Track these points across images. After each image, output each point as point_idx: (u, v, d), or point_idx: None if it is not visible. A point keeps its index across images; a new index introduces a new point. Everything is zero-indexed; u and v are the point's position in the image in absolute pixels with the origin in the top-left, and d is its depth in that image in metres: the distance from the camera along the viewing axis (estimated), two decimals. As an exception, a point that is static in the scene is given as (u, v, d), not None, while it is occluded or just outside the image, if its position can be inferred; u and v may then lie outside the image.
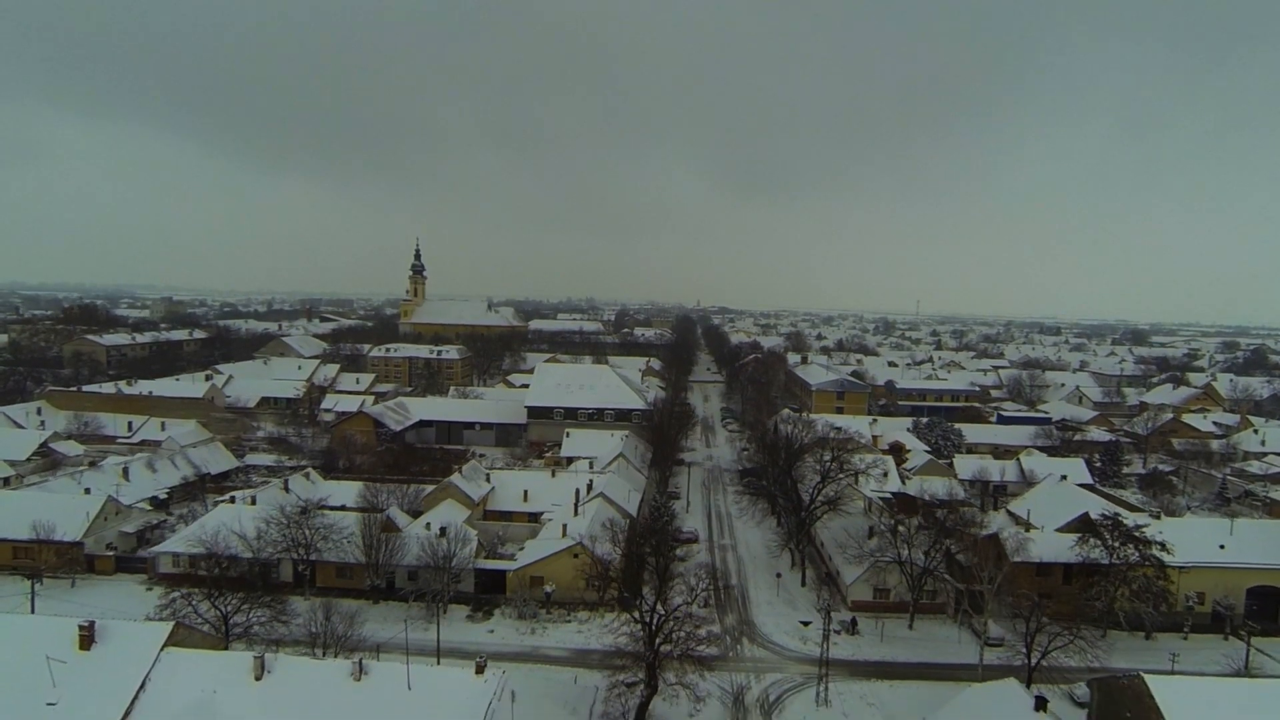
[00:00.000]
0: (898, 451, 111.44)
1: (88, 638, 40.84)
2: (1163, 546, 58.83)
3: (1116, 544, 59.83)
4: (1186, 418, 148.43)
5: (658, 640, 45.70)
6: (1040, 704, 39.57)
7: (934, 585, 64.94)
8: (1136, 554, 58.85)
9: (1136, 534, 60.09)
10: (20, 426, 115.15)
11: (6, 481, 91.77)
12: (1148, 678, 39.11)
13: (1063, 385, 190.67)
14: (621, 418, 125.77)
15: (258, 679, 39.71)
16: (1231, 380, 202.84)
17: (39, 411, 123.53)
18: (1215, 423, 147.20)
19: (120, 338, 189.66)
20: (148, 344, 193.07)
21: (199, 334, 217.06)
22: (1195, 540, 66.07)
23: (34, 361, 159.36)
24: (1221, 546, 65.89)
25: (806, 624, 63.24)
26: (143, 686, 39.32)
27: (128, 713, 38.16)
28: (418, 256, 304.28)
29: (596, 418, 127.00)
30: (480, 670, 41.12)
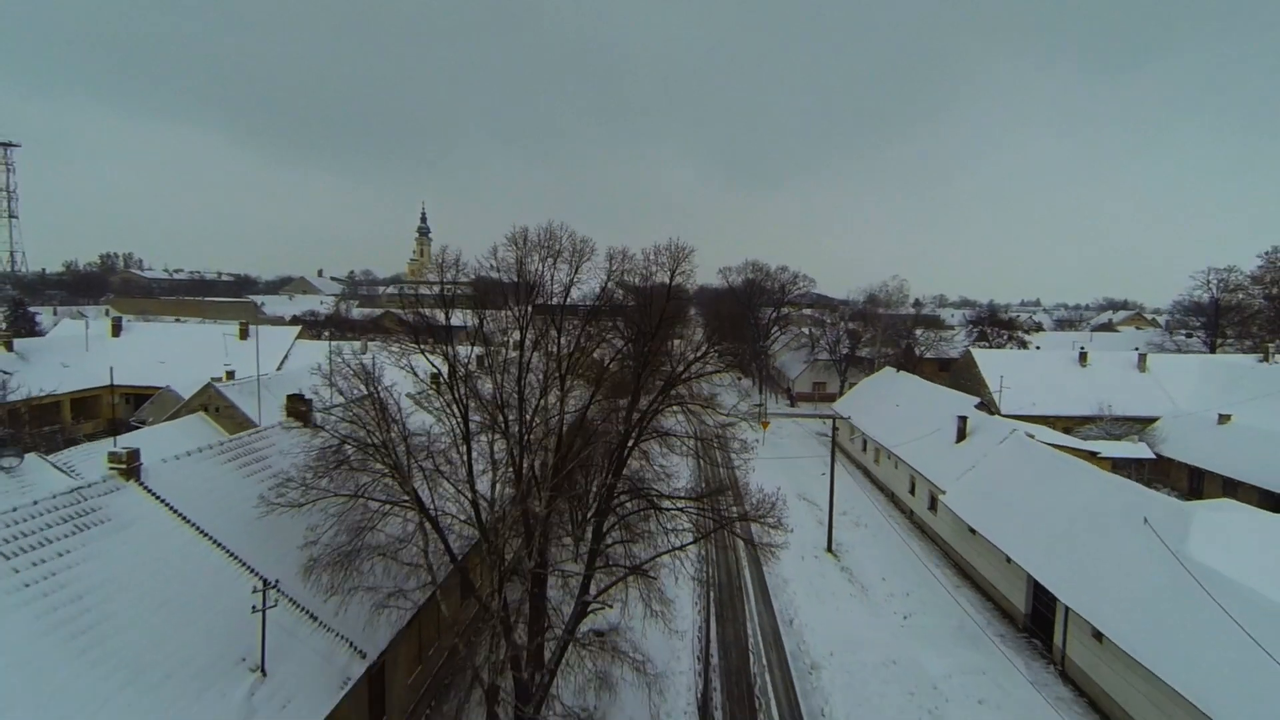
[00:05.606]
0: (854, 334, 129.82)
1: (245, 331, 58.98)
2: (1025, 330, 77.32)
3: (991, 330, 78.36)
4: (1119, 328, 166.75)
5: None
6: (899, 367, 57.92)
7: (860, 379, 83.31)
8: (1006, 336, 77.36)
9: (1006, 322, 78.68)
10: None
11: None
12: (972, 348, 57.51)
13: (1017, 315, 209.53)
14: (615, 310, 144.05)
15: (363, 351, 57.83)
16: (1171, 315, 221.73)
17: (107, 312, 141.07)
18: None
19: (158, 274, 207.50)
20: (184, 280, 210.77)
21: (227, 276, 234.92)
22: (1063, 344, 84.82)
23: (85, 288, 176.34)
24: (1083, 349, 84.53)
25: (757, 406, 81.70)
26: (286, 356, 57.56)
27: (279, 366, 56.35)
28: (423, 219, 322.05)
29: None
30: (516, 349, 59.48)
